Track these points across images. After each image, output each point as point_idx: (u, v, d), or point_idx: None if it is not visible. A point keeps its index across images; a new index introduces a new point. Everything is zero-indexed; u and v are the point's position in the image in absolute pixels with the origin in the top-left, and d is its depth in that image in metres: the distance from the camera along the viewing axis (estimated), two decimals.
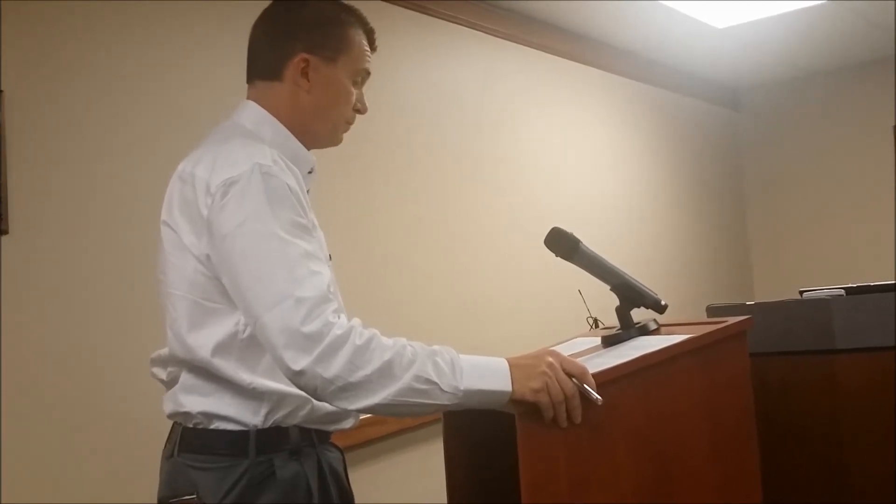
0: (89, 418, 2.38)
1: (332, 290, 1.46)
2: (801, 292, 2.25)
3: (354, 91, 1.67)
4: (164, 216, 1.61)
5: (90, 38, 2.49)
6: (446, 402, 1.40)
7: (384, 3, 3.35)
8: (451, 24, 3.62)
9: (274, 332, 1.38)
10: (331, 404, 1.40)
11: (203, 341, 1.53)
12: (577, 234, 1.77)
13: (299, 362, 1.35)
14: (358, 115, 1.71)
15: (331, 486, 1.61)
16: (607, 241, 4.28)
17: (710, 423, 1.57)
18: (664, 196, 5.03)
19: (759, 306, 2.18)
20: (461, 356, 1.43)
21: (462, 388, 1.40)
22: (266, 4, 1.66)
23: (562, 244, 1.76)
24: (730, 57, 4.99)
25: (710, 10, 4.15)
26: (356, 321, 1.42)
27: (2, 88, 2.27)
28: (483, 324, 3.64)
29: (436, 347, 1.43)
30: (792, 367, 2.09)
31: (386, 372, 1.37)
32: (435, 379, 1.39)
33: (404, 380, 1.37)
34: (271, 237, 1.43)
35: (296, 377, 1.37)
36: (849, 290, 2.12)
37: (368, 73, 1.69)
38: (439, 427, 1.78)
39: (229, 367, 1.52)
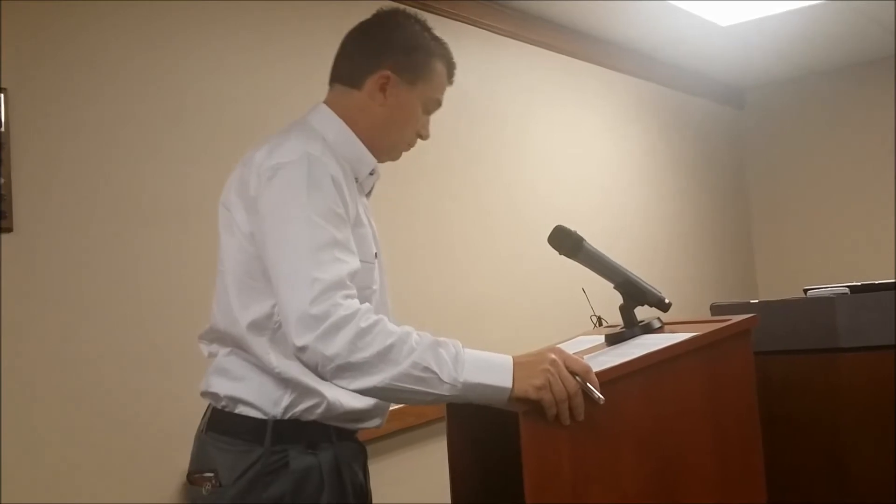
0: (90, 418, 2.37)
1: (354, 281, 1.51)
2: (806, 290, 2.24)
3: (422, 117, 1.76)
4: (222, 198, 1.69)
5: (94, 35, 2.49)
6: (446, 393, 1.42)
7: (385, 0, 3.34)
8: (453, 21, 3.61)
9: (287, 308, 1.45)
10: (331, 382, 1.44)
11: (242, 316, 1.61)
12: (581, 232, 1.77)
13: (303, 338, 1.41)
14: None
15: (347, 482, 1.65)
16: (611, 239, 4.27)
17: (714, 421, 1.56)
18: (667, 194, 5.03)
19: (763, 304, 2.17)
20: (466, 350, 1.46)
21: (462, 380, 1.42)
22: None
23: (565, 242, 1.76)
24: (733, 55, 4.97)
25: (713, 8, 4.14)
26: (366, 306, 1.46)
27: (5, 86, 2.27)
28: (485, 322, 3.63)
29: (442, 339, 1.45)
30: (796, 365, 2.09)
31: (386, 356, 1.41)
32: (434, 368, 1.41)
33: (403, 366, 1.41)
34: (304, 220, 1.50)
35: (299, 353, 1.43)
36: (853, 289, 2.12)
37: (440, 104, 1.79)
38: (443, 425, 1.79)
39: (261, 345, 1.58)
